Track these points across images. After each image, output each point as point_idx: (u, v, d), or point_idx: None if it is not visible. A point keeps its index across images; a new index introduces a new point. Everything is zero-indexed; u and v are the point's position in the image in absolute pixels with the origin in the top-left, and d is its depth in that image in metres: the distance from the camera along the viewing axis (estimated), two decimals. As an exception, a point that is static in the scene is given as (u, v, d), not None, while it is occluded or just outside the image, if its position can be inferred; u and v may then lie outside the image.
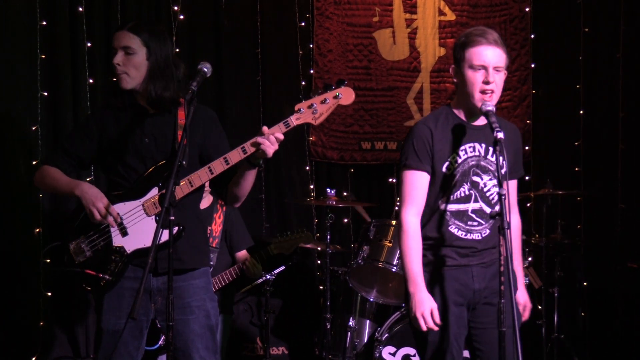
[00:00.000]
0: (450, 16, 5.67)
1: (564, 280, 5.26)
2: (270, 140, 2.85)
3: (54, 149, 3.25)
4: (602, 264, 5.68)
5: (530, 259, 5.10)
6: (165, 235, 2.85)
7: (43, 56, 4.93)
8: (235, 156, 2.94)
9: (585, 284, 5.67)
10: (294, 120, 2.93)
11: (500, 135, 2.77)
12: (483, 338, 3.02)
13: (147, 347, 4.07)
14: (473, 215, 3.00)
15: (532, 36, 5.74)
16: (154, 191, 3.01)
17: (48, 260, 4.76)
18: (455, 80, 3.04)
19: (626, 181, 5.65)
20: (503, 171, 2.81)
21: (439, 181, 3.01)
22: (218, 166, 2.96)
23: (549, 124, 5.79)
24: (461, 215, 3.01)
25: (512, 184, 3.16)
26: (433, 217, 3.03)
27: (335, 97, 2.94)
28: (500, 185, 2.75)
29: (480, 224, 3.02)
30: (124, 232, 3.01)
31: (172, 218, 2.65)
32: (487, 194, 3.02)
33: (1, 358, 4.74)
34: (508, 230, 2.70)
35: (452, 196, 3.00)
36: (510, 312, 2.61)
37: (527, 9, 5.71)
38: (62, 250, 3.06)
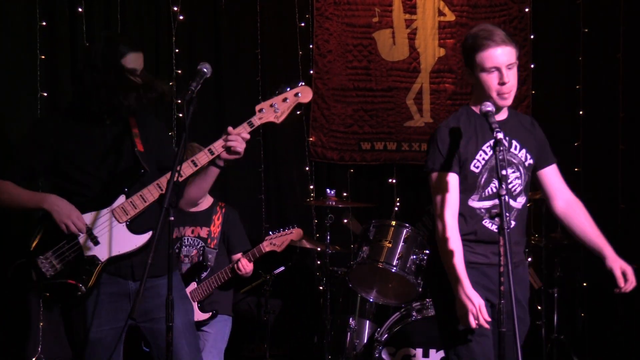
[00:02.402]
0: (450, 17, 5.67)
1: (563, 280, 5.25)
2: (239, 141, 2.95)
3: (5, 161, 3.18)
4: (602, 264, 5.67)
5: (529, 259, 5.10)
6: (141, 241, 2.98)
7: (43, 56, 4.94)
8: (203, 158, 2.98)
9: (585, 284, 5.67)
10: (257, 120, 3.03)
11: (500, 135, 2.77)
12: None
13: (145, 348, 4.09)
14: None
15: (532, 37, 5.73)
16: (121, 198, 3.01)
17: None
18: (470, 81, 3.04)
19: (626, 181, 5.65)
20: (511, 170, 2.82)
21: (470, 181, 3.00)
22: (187, 169, 2.99)
23: (549, 125, 5.74)
24: (492, 210, 3.01)
25: (551, 171, 3.20)
26: (468, 216, 3.01)
27: (296, 95, 3.04)
28: (500, 184, 2.75)
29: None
30: (95, 242, 2.99)
31: (172, 218, 2.65)
32: (510, 186, 3.03)
33: (1, 358, 4.75)
34: (508, 231, 2.71)
35: (484, 193, 3.01)
36: (511, 312, 2.62)
37: (526, 10, 5.71)
38: (28, 267, 2.98)
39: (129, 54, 3.02)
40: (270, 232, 4.58)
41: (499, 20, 5.67)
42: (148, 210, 3.01)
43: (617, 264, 3.07)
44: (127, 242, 3.00)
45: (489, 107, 2.90)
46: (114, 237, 2.99)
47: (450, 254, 2.94)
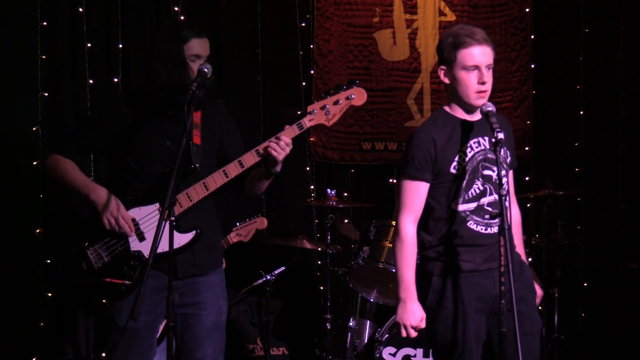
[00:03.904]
0: (451, 17, 5.67)
1: (564, 280, 5.26)
2: (281, 146, 2.91)
3: (67, 138, 3.19)
4: (602, 265, 5.68)
5: (530, 259, 5.10)
6: (184, 240, 2.95)
7: (43, 56, 4.92)
8: (249, 159, 2.97)
9: (585, 284, 5.67)
10: (307, 122, 2.97)
11: (501, 135, 2.77)
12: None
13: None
14: (489, 209, 2.95)
15: (532, 37, 5.73)
16: None
17: (48, 261, 4.77)
18: (446, 81, 3.00)
19: (626, 181, 5.65)
20: (503, 172, 2.82)
21: (450, 183, 2.96)
22: (233, 169, 2.97)
23: (549, 125, 5.79)
24: (478, 210, 2.96)
25: (510, 175, 3.13)
26: (451, 219, 2.97)
27: (348, 98, 2.96)
28: (501, 184, 2.75)
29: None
30: (141, 237, 2.99)
31: (173, 219, 2.65)
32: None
33: (1, 358, 4.75)
34: (509, 231, 2.70)
35: (467, 195, 2.95)
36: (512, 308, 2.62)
37: (527, 10, 5.71)
38: (79, 257, 3.02)
39: (192, 40, 2.97)
40: (238, 223, 4.54)
41: (500, 21, 5.67)
42: (193, 209, 2.99)
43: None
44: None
45: (489, 107, 2.89)
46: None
47: (402, 260, 2.95)
